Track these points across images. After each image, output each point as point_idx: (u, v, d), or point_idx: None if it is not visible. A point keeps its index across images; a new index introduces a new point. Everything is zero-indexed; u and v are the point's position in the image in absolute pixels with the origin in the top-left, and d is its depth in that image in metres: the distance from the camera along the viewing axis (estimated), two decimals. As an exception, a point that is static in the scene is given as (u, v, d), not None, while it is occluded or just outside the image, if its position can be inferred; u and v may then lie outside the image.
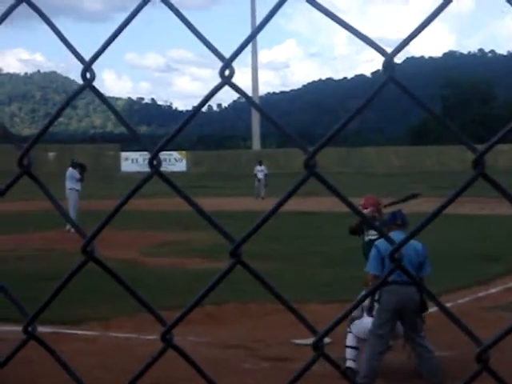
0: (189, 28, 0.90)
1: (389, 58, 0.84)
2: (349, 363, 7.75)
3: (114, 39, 0.98)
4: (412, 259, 7.49)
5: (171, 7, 0.93)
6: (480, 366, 0.82)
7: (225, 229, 0.91)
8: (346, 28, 0.82)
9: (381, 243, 7.56)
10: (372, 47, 0.84)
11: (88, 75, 0.99)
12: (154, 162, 0.94)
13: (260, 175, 34.99)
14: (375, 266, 7.48)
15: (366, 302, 7.77)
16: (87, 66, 0.98)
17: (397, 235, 7.51)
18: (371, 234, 9.21)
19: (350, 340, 7.87)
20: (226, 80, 0.92)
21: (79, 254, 1.19)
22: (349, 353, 7.81)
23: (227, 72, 0.92)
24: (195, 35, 0.90)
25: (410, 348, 7.74)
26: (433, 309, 8.40)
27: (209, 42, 0.91)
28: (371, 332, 7.55)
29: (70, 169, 21.86)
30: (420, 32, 0.82)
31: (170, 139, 0.94)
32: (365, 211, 9.47)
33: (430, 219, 0.87)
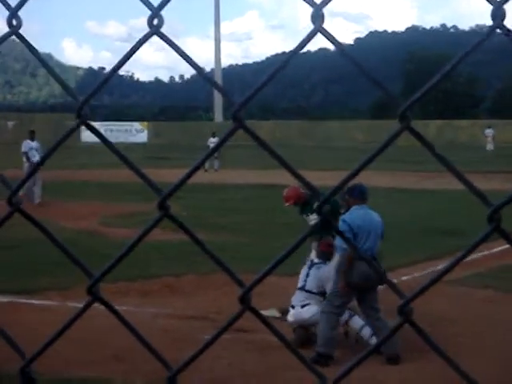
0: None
1: (317, 10, 0.83)
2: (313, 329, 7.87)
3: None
4: (378, 231, 7.59)
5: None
6: (402, 319, 0.83)
7: (152, 180, 0.90)
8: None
9: (348, 217, 7.57)
10: (302, -1, 0.83)
11: (14, 22, 0.97)
12: (82, 113, 0.93)
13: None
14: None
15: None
16: (13, 13, 0.96)
17: (357, 210, 7.62)
18: (313, 219, 9.20)
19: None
20: (155, 30, 0.90)
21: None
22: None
23: (155, 21, 0.91)
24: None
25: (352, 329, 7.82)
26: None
27: (137, -10, 0.90)
28: (327, 302, 7.61)
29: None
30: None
31: (97, 89, 0.92)
32: (286, 205, 9.57)
33: (353, 174, 0.87)
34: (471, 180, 0.90)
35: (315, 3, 0.83)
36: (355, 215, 7.57)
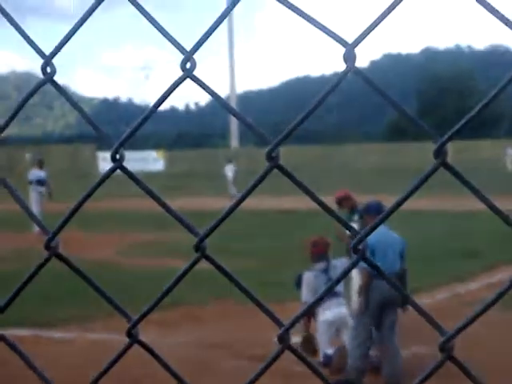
0: (149, 21, 0.89)
1: (350, 49, 0.83)
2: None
3: (74, 33, 0.97)
4: (396, 249, 7.43)
5: (133, 2, 0.92)
6: (443, 356, 0.82)
7: (187, 222, 0.90)
8: (307, 20, 0.82)
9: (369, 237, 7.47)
10: (332, 38, 0.83)
11: (48, 69, 0.98)
12: (117, 157, 0.93)
13: (230, 173, 35.01)
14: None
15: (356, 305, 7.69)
16: (47, 61, 0.97)
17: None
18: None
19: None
20: (188, 73, 0.91)
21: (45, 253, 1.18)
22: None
23: (189, 65, 0.92)
24: (155, 27, 0.90)
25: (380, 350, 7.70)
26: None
27: (169, 34, 0.90)
28: (353, 330, 7.54)
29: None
30: (381, 21, 0.82)
31: (132, 133, 0.93)
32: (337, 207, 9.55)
33: (393, 209, 0.87)
34: (495, 201, 0.89)
35: (347, 43, 0.83)
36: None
